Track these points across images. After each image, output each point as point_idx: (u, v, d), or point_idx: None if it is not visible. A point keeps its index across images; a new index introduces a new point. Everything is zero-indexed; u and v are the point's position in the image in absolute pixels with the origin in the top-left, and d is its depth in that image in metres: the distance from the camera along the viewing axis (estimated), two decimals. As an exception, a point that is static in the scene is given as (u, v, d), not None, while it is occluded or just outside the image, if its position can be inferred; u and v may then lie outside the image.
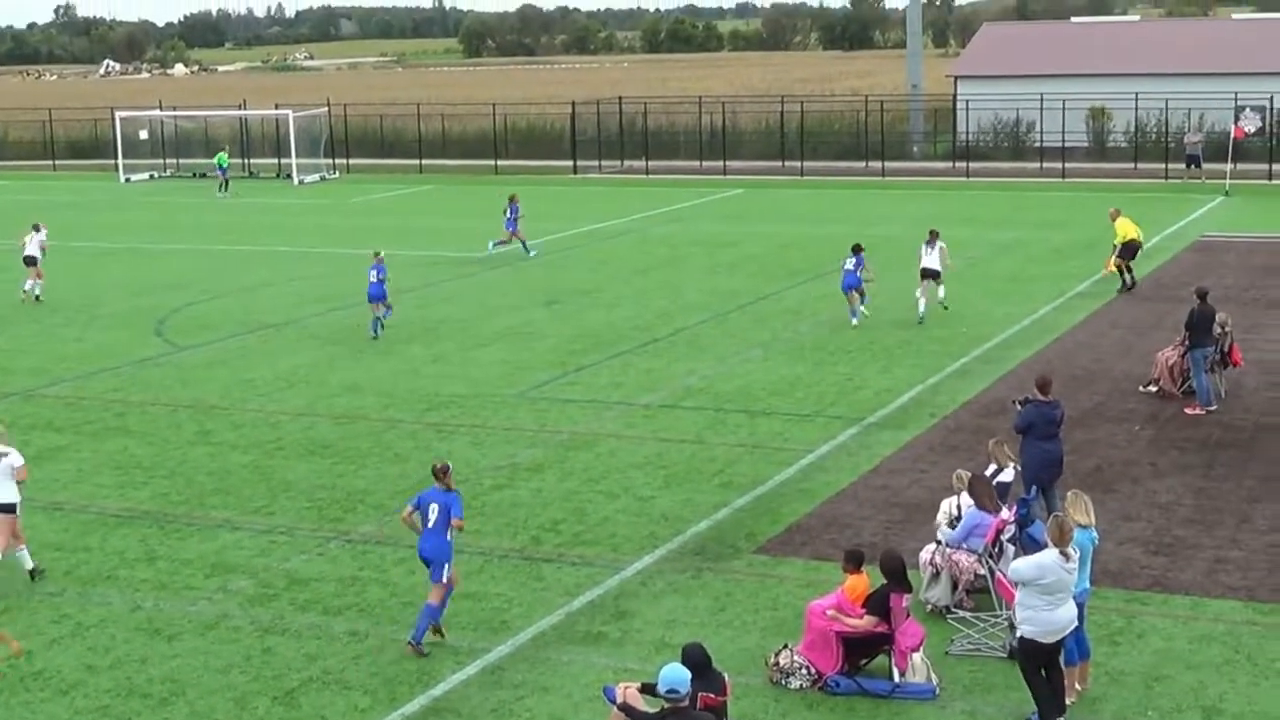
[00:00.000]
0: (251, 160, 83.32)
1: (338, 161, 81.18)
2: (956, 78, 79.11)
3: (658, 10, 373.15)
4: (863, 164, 74.38)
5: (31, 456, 25.58)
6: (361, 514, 22.87)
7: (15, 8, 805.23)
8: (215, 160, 74.60)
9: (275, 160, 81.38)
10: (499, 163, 79.10)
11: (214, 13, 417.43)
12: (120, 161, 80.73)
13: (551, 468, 24.95)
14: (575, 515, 22.54)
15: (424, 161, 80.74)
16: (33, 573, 20.35)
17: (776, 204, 61.56)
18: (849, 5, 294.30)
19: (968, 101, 74.92)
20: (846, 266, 35.49)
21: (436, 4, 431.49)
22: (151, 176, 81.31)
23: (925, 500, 22.28)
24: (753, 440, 26.31)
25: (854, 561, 17.08)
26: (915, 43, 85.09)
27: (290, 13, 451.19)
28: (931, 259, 35.63)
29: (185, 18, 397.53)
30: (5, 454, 19.87)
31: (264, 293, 42.92)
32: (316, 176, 77.37)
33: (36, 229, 42.84)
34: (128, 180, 79.31)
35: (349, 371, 32.44)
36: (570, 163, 77.72)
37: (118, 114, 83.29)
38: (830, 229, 52.41)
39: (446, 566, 17.75)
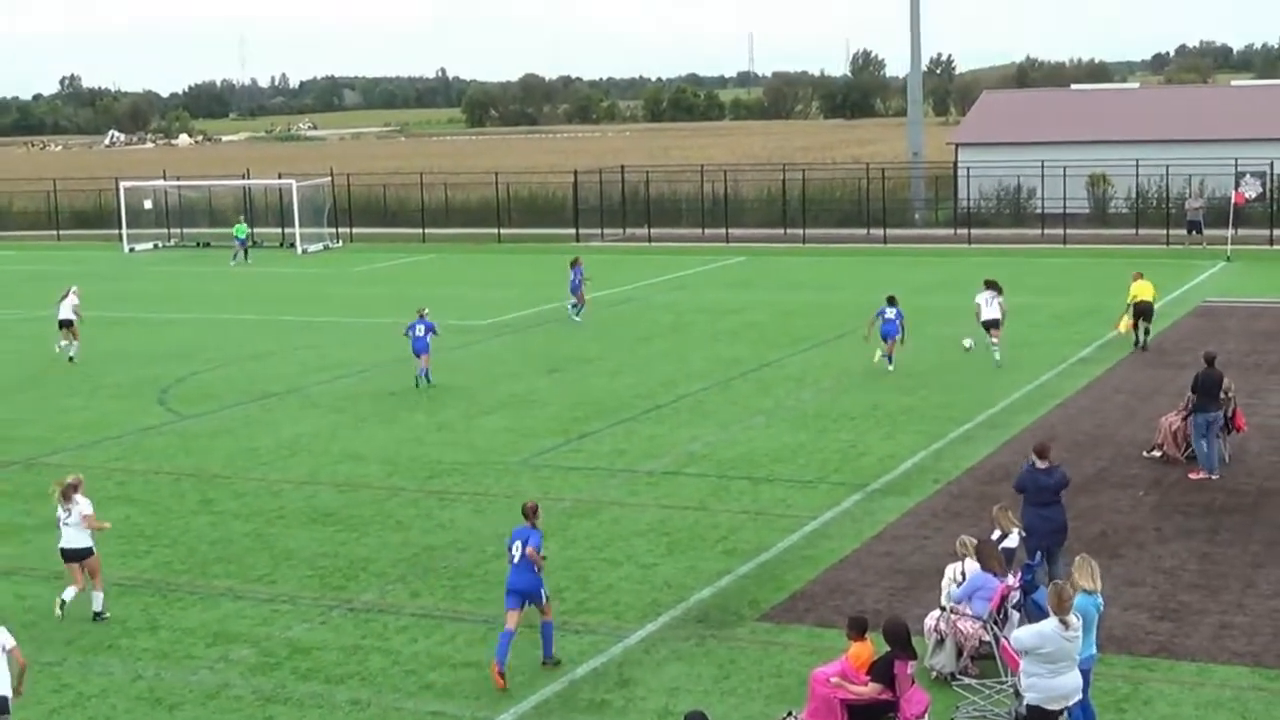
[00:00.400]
0: (255, 229, 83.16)
1: (341, 230, 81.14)
2: (957, 145, 79.43)
3: (660, 79, 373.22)
4: (865, 231, 74.54)
5: (33, 526, 25.83)
6: (364, 582, 22.76)
7: (21, 79, 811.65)
8: (234, 231, 74.45)
9: (279, 229, 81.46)
10: (501, 231, 79.12)
11: (218, 83, 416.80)
12: (124, 231, 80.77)
13: (554, 535, 24.64)
14: (578, 583, 22.45)
15: (427, 230, 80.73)
16: (97, 615, 21.50)
17: (779, 271, 61.64)
18: (850, 74, 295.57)
19: (969, 168, 75.07)
20: (887, 316, 37.94)
21: (439, 74, 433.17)
22: (156, 246, 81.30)
23: (929, 566, 22.17)
24: (756, 507, 26.24)
25: (858, 628, 16.99)
26: (916, 110, 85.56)
27: (294, 83, 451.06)
28: (992, 310, 38.22)
29: (189, 88, 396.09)
30: (77, 503, 21.48)
31: (268, 361, 42.89)
32: (320, 245, 77.36)
33: (70, 293, 44.31)
34: (132, 250, 79.32)
35: (351, 440, 32.38)
36: (573, 231, 77.82)
37: (122, 184, 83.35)
38: (833, 296, 52.52)
39: (543, 594, 18.99)
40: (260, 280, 63.94)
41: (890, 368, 37.70)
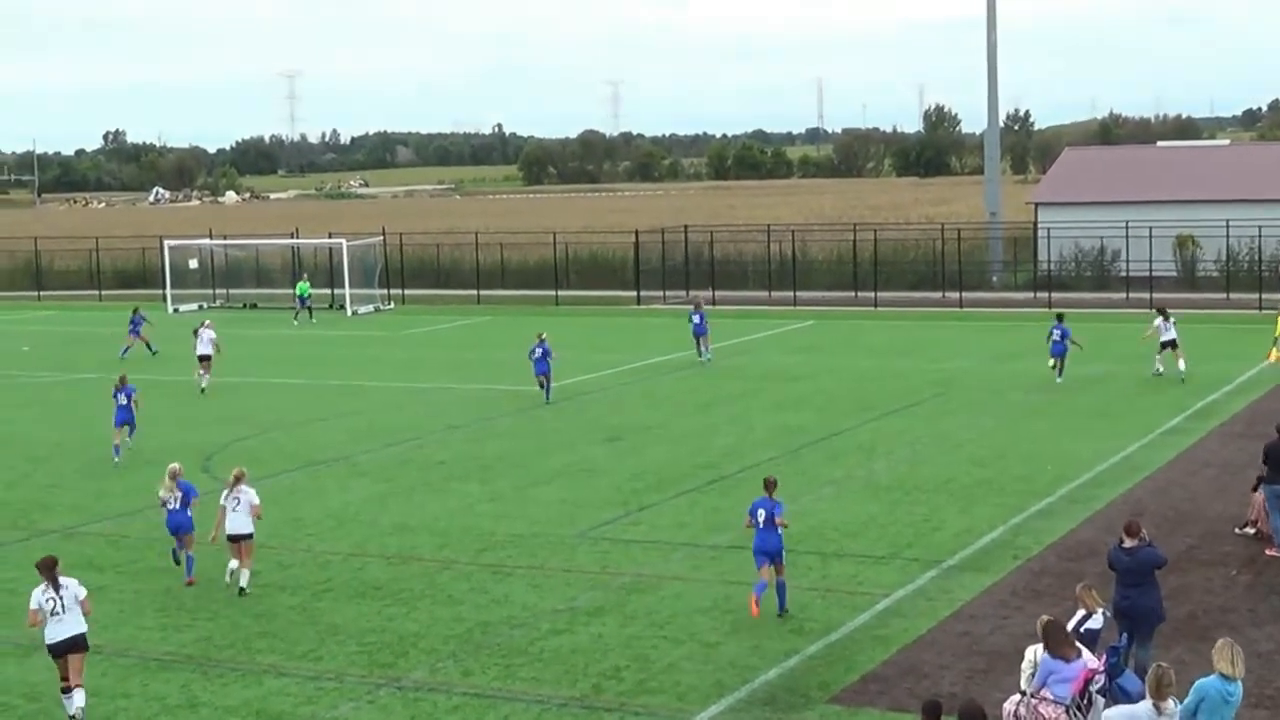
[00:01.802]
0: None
1: (393, 292, 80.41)
2: (1037, 204, 78.26)
3: (724, 135, 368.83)
4: (939, 294, 73.21)
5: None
6: (413, 659, 22.24)
7: (64, 134, 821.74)
8: (296, 290, 73.93)
9: (329, 290, 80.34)
10: (560, 293, 78.30)
11: (266, 139, 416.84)
12: (169, 291, 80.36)
13: (613, 612, 24.26)
14: (638, 662, 21.85)
15: (482, 292, 79.87)
16: (242, 590, 25.54)
17: (849, 336, 60.60)
18: (923, 130, 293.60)
19: (1049, 229, 73.71)
20: (1054, 337, 45.01)
21: (496, 130, 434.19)
22: (200, 307, 79.95)
23: (1008, 648, 21.48)
24: (825, 583, 25.50)
25: (933, 713, 16.07)
26: (993, 168, 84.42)
27: (345, 139, 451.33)
28: (1170, 332, 44.46)
29: (237, 144, 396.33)
30: (245, 492, 25.77)
31: (314, 428, 42.34)
32: (371, 307, 76.74)
33: (205, 325, 49.31)
34: (176, 311, 78.29)
35: (401, 510, 31.80)
36: (634, 293, 76.97)
37: (166, 243, 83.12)
38: (905, 362, 51.61)
39: (783, 554, 23.72)
40: (309, 343, 63.42)
41: (1060, 381, 44.38)
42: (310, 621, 24.15)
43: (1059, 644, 17.68)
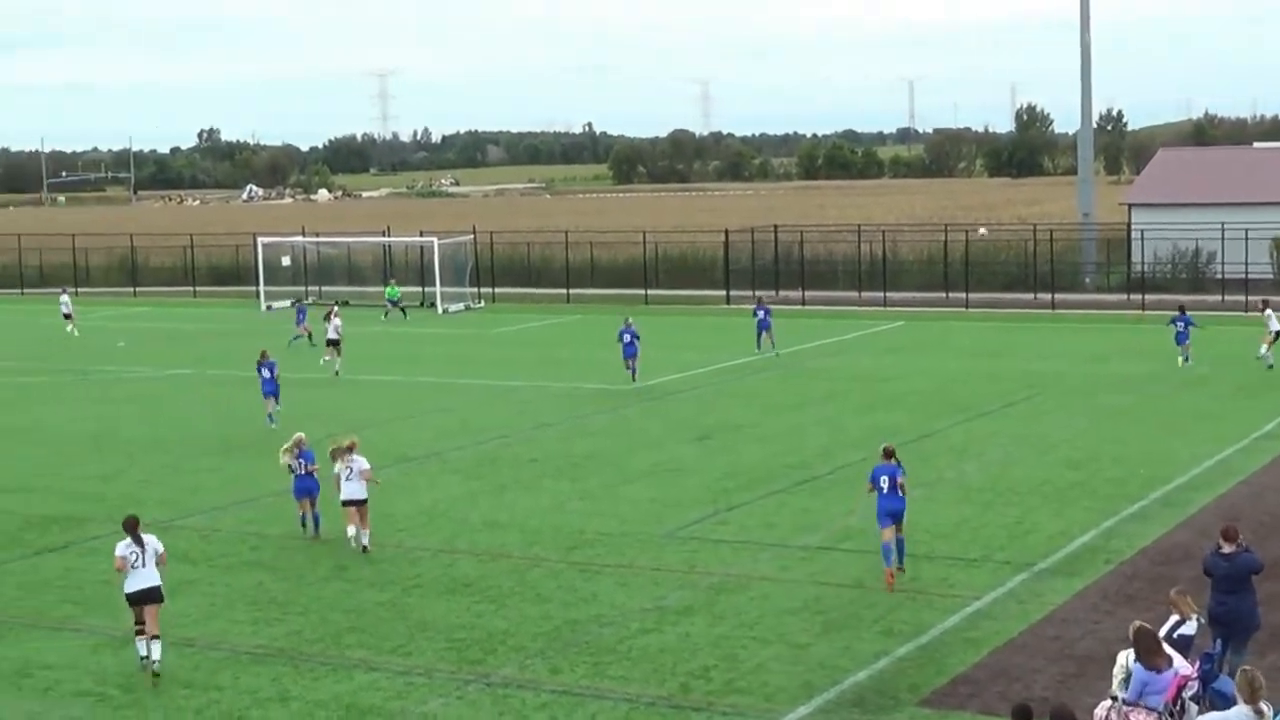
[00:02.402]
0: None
1: (483, 290, 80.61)
2: (1131, 205, 77.36)
3: (815, 135, 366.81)
4: (1031, 295, 72.44)
5: (167, 591, 25.28)
6: (502, 656, 22.20)
7: (159, 132, 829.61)
8: (386, 293, 74.11)
9: (419, 289, 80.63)
10: (649, 292, 78.14)
11: (359, 137, 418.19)
12: (261, 288, 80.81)
13: (701, 611, 24.11)
14: (726, 662, 21.70)
15: (571, 290, 79.89)
16: (365, 549, 27.71)
17: (940, 336, 60.10)
18: (1015, 130, 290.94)
19: (1143, 230, 72.77)
20: (1178, 328, 48.42)
21: (586, 129, 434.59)
22: (293, 303, 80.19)
23: (1100, 652, 21.17)
24: (915, 586, 25.22)
25: (1023, 716, 15.79)
26: (1086, 169, 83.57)
27: (436, 138, 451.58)
28: (1274, 323, 47.40)
29: (329, 142, 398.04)
30: (356, 461, 27.86)
31: (404, 425, 42.44)
32: (461, 305, 76.90)
33: (333, 313, 53.24)
34: (269, 308, 78.74)
35: (491, 507, 31.80)
36: (723, 292, 76.75)
37: (260, 240, 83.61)
38: (998, 363, 51.18)
39: (904, 515, 25.21)
40: (400, 341, 63.60)
41: (1181, 363, 47.82)
42: (400, 617, 24.15)
43: (1150, 654, 17.35)
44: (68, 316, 68.49)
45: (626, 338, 47.76)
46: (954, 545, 27.67)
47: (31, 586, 26.78)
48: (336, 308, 55.18)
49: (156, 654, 21.59)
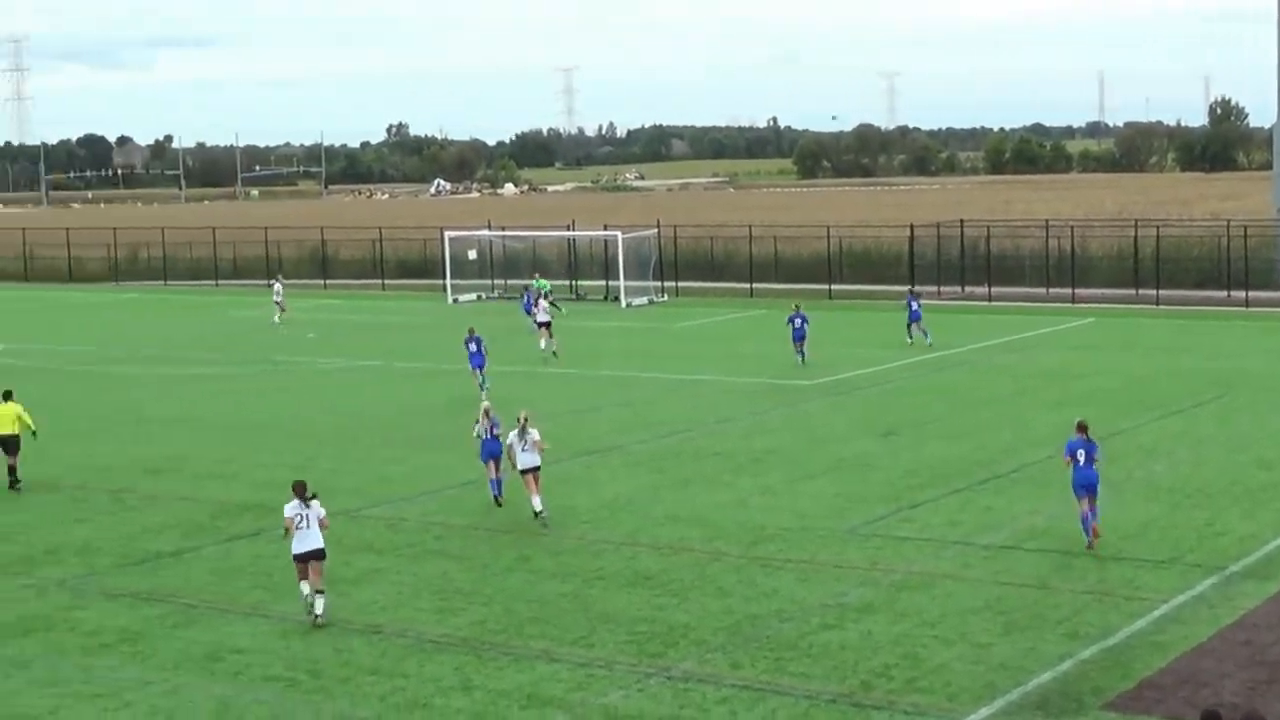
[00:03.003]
0: (579, 282, 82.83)
1: (666, 284, 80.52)
2: (1328, 200, 75.09)
3: (1002, 129, 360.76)
4: (1224, 293, 70.61)
5: (351, 579, 26.31)
6: (683, 649, 22.19)
7: (349, 127, 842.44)
8: (535, 285, 74.24)
9: (603, 282, 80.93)
10: (833, 286, 77.54)
11: (544, 132, 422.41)
12: (448, 282, 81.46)
13: (883, 609, 23.93)
14: (908, 660, 21.49)
15: (755, 285, 79.50)
16: (538, 514, 29.65)
17: (1129, 334, 58.92)
18: (1209, 124, 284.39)
19: (1342, 225, 70.85)
20: None
21: (770, 123, 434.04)
22: (479, 297, 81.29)
23: None
24: (1102, 587, 24.80)
25: (1213, 723, 15.48)
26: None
27: (621, 132, 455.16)
28: None
29: (516, 137, 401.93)
30: (531, 433, 29.51)
31: (588, 417, 42.62)
32: (645, 299, 76.95)
33: (542, 296, 57.69)
34: (455, 301, 79.69)
35: (673, 501, 31.80)
36: (908, 288, 75.84)
37: (447, 234, 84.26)
38: (1189, 361, 50.13)
39: (1098, 487, 26.95)
40: (582, 334, 63.68)
41: None
42: (582, 609, 24.27)
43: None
44: (278, 304, 70.02)
45: (797, 321, 50.31)
46: (1142, 546, 27.13)
47: (224, 572, 27.37)
48: (547, 292, 60.32)
49: (319, 608, 23.73)
